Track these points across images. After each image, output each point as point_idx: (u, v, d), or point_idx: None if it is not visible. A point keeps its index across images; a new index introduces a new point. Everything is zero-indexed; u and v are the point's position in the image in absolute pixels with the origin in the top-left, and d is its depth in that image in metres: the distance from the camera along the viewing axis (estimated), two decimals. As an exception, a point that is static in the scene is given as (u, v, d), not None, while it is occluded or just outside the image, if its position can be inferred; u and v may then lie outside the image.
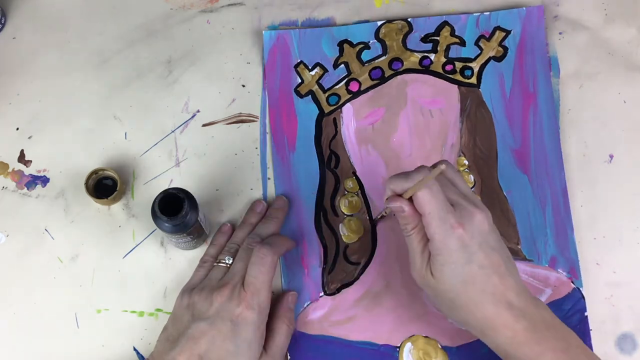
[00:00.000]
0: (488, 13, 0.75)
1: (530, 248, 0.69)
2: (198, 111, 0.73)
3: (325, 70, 0.73)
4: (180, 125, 0.72)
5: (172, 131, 0.72)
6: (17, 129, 0.72)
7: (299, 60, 0.74)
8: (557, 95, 0.73)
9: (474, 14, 0.75)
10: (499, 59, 0.74)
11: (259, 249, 0.62)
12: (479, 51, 0.74)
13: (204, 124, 0.72)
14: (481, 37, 0.74)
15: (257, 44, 0.75)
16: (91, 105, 0.73)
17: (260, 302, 0.60)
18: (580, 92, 0.74)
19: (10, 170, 0.71)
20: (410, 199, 0.56)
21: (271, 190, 0.71)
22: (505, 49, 0.74)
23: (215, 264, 0.65)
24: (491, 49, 0.74)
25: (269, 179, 0.71)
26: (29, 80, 0.73)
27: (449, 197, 0.56)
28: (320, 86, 0.73)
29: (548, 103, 0.72)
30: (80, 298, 0.68)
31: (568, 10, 0.76)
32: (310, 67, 0.73)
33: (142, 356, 0.66)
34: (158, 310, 0.67)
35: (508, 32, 0.74)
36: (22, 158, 0.71)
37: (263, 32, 0.74)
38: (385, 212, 0.65)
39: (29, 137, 0.72)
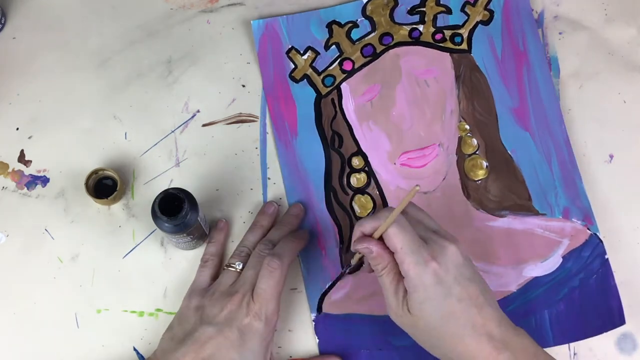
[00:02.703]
0: None
1: (541, 202, 0.69)
2: (198, 111, 0.73)
3: (317, 53, 0.73)
4: (180, 125, 0.72)
5: (172, 131, 0.72)
6: (17, 129, 0.72)
7: (290, 46, 0.74)
8: (557, 95, 0.73)
9: None
10: (486, 22, 0.74)
11: (269, 261, 0.61)
12: (466, 17, 0.74)
13: (204, 124, 0.72)
14: (466, 3, 0.75)
15: (257, 44, 0.75)
16: (91, 105, 0.73)
17: (268, 313, 0.60)
18: (580, 92, 0.74)
19: (10, 170, 0.71)
20: (379, 239, 0.56)
21: (271, 190, 0.71)
22: (491, 12, 0.74)
23: (225, 267, 0.65)
24: (477, 13, 0.74)
25: (269, 178, 0.71)
26: (29, 80, 0.73)
27: (418, 234, 0.56)
28: (315, 69, 0.73)
29: (540, 59, 0.73)
30: (80, 298, 0.68)
31: (568, 10, 0.76)
32: (302, 52, 0.73)
33: (142, 356, 0.66)
34: (158, 310, 0.67)
35: None
36: (22, 158, 0.71)
37: (251, 22, 0.74)
38: (351, 264, 0.64)
39: (29, 137, 0.72)
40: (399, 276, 0.56)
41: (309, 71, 0.73)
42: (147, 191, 0.70)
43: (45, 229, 0.69)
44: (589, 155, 0.72)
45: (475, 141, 0.71)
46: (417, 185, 0.52)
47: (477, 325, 0.55)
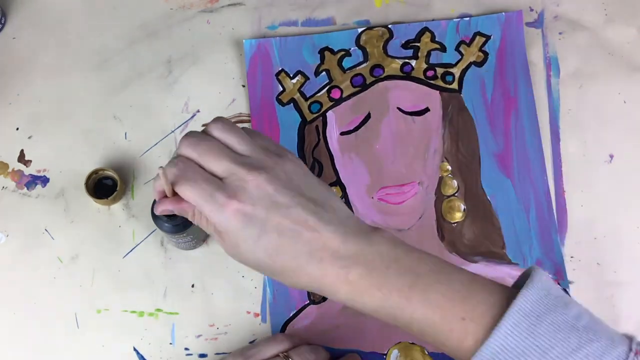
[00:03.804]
0: (468, 19, 0.75)
1: (515, 252, 0.69)
2: (198, 111, 0.73)
3: (306, 78, 0.73)
4: (180, 125, 0.72)
5: (172, 131, 0.72)
6: (17, 129, 0.72)
7: (280, 69, 0.73)
8: (557, 95, 0.73)
9: (454, 20, 0.75)
10: (479, 64, 0.74)
11: None
12: (460, 56, 0.74)
13: (204, 124, 0.72)
14: (461, 42, 0.74)
15: (257, 44, 0.75)
16: (91, 105, 0.73)
17: None
18: (580, 92, 0.74)
19: (10, 170, 0.71)
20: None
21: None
22: (486, 54, 0.74)
23: (283, 357, 0.61)
24: (472, 54, 0.74)
25: (269, 179, 0.71)
26: (29, 80, 0.73)
27: (217, 171, 0.51)
28: (302, 94, 0.73)
29: (529, 107, 0.72)
30: (80, 298, 0.68)
31: (568, 10, 0.76)
32: (291, 75, 0.73)
33: (142, 356, 0.66)
34: (158, 310, 0.67)
35: (488, 38, 0.74)
36: (22, 158, 0.71)
37: (243, 41, 0.74)
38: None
39: (29, 137, 0.72)
40: None
41: (297, 95, 0.73)
42: (147, 191, 0.70)
43: (45, 229, 0.69)
44: (589, 155, 0.72)
45: (455, 183, 0.70)
46: (161, 166, 0.49)
47: (313, 251, 0.49)
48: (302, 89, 0.73)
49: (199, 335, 0.67)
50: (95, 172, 0.68)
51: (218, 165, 0.51)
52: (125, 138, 0.72)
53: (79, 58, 0.74)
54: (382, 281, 0.49)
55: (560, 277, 0.68)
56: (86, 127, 0.72)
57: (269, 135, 0.70)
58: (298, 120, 0.72)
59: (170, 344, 0.67)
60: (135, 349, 0.67)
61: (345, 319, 0.67)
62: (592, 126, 0.73)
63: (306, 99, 0.73)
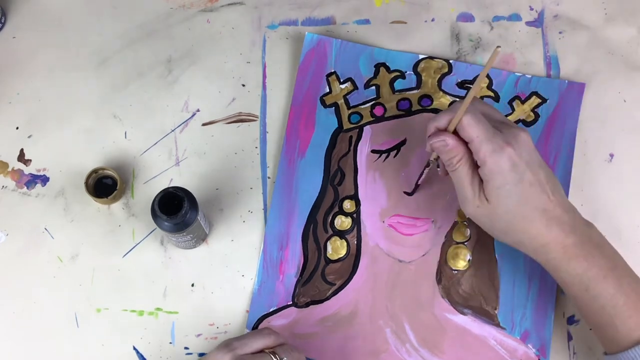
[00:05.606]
0: (529, 76, 0.73)
1: (506, 316, 0.68)
2: (198, 110, 0.73)
3: (355, 87, 0.73)
4: (180, 125, 0.72)
5: (172, 130, 0.72)
6: (17, 128, 0.72)
7: (332, 70, 0.73)
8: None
9: (516, 74, 0.73)
10: (528, 123, 0.72)
11: None
12: (511, 111, 0.72)
13: (204, 123, 0.72)
14: (516, 97, 0.73)
15: (257, 43, 0.75)
16: (91, 105, 0.73)
17: None
18: (580, 91, 0.74)
19: (10, 169, 0.71)
20: (454, 133, 0.58)
21: (271, 189, 0.71)
22: (537, 115, 0.72)
23: (269, 353, 0.60)
24: (523, 112, 0.72)
25: (268, 177, 0.71)
26: (29, 79, 0.73)
27: (494, 122, 0.59)
28: (346, 101, 0.72)
29: (564, 181, 0.70)
30: (80, 297, 0.68)
31: (568, 10, 0.76)
32: (341, 80, 0.73)
33: (142, 355, 0.66)
34: (158, 309, 0.67)
35: (544, 100, 0.72)
36: (21, 157, 0.71)
37: (306, 33, 0.74)
38: (430, 162, 0.64)
39: (29, 137, 0.72)
40: (474, 167, 0.59)
41: (341, 101, 0.72)
42: (147, 190, 0.70)
43: (45, 228, 0.69)
44: (589, 154, 0.72)
45: (468, 232, 0.69)
46: (498, 46, 0.52)
47: (547, 209, 0.58)
48: (347, 97, 0.73)
49: (199, 335, 0.67)
50: (95, 171, 0.68)
51: (490, 122, 0.59)
52: (125, 137, 0.72)
53: (79, 57, 0.74)
54: (589, 255, 0.58)
55: (543, 354, 0.67)
56: (86, 127, 0.72)
57: (303, 132, 0.71)
58: (334, 126, 0.72)
59: (170, 343, 0.67)
60: (135, 348, 0.67)
61: (321, 330, 0.67)
62: (592, 126, 0.73)
63: (349, 108, 0.72)
